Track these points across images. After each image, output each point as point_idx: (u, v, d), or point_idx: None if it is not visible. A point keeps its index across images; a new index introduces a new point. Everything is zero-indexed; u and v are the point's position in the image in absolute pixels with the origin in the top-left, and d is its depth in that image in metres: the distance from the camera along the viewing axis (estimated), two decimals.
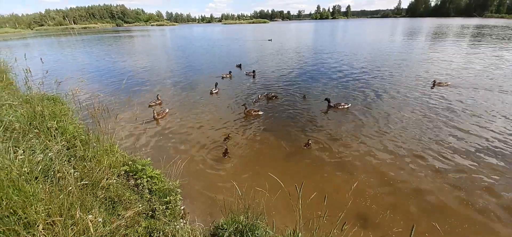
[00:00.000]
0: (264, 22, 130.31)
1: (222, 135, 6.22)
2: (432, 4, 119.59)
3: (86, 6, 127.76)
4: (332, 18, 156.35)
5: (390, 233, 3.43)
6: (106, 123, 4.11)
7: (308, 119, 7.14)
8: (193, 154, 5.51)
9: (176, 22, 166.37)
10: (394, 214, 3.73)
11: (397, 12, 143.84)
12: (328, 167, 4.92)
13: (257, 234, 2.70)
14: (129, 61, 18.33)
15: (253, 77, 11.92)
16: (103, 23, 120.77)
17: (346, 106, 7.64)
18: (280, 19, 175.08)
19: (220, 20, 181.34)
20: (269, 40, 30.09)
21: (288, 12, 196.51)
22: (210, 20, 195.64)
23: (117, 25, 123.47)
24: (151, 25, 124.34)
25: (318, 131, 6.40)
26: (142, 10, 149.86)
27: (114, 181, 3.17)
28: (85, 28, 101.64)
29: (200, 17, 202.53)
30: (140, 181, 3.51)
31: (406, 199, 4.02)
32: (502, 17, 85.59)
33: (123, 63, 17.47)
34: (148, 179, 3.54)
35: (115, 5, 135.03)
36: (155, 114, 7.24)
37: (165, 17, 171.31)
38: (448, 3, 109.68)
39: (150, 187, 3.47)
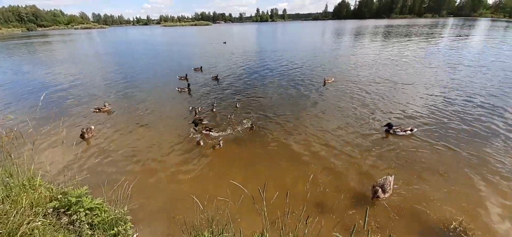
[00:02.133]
0: (207, 24, 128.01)
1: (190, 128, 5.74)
2: (352, 8, 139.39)
3: None
4: (271, 21, 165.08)
5: (345, 216, 3.78)
6: (20, 152, 3.28)
7: (258, 119, 7.31)
8: (142, 172, 4.94)
9: (106, 24, 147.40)
10: (343, 194, 4.14)
11: (325, 15, 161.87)
12: (284, 162, 5.13)
13: None
14: (47, 72, 15.27)
15: (217, 80, 12.09)
16: (10, 28, 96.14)
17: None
18: (223, 22, 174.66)
19: (158, 22, 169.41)
20: (224, 42, 31.53)
21: (230, 14, 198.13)
22: (146, 22, 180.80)
23: (28, 29, 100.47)
24: (75, 29, 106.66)
25: (271, 130, 6.60)
26: (61, 11, 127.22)
27: (39, 223, 2.56)
28: None
29: (135, 19, 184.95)
30: (76, 216, 2.93)
31: (349, 179, 4.52)
32: (404, 17, 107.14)
33: (39, 75, 14.44)
34: (87, 211, 2.99)
35: (23, 6, 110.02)
36: (85, 131, 6.26)
37: (91, 19, 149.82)
38: (363, 6, 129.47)
39: (90, 221, 2.93)
